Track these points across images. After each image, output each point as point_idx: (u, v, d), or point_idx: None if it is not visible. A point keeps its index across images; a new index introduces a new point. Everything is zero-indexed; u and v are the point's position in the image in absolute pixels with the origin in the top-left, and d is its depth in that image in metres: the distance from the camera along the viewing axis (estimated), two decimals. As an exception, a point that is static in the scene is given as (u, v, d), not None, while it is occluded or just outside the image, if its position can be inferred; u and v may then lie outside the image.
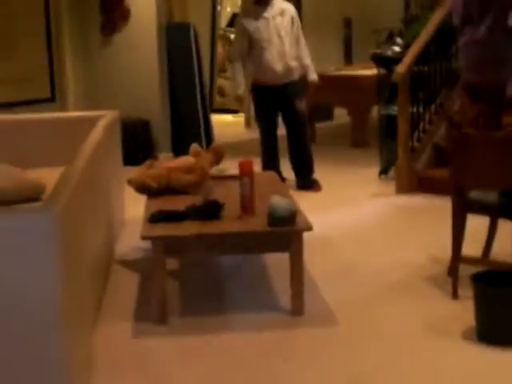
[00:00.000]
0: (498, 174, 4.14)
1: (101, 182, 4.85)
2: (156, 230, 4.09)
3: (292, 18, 7.09)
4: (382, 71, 7.75)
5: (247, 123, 12.17)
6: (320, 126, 10.40)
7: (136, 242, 5.49)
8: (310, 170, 7.29)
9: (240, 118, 12.71)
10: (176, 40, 9.09)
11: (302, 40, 7.18)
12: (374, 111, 9.72)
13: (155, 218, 4.25)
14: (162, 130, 9.14)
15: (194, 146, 5.29)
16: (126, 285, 4.84)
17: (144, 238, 4.07)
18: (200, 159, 5.09)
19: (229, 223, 4.18)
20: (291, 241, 4.06)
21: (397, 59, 7.31)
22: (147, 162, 5.16)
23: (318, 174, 7.33)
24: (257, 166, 5.95)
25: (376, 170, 7.72)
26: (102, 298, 4.45)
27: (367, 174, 7.79)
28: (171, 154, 9.14)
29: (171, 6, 10.00)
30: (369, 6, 12.71)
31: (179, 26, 9.53)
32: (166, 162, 5.13)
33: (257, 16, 7.04)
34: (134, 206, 6.20)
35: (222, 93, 14.14)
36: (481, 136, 4.15)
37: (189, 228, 4.10)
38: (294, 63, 7.07)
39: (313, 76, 7.21)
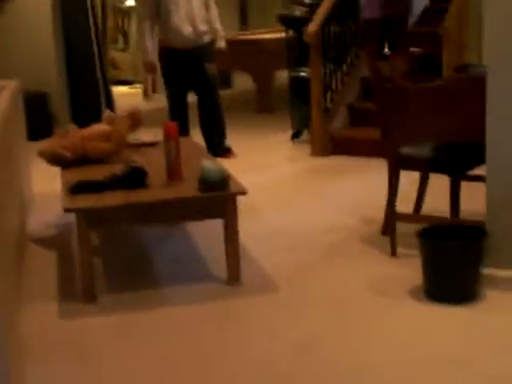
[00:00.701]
0: (434, 127, 4.01)
1: (10, 157, 4.50)
2: (78, 201, 3.80)
3: None
4: (291, 33, 7.58)
5: (145, 94, 11.85)
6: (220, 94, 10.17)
7: (48, 217, 5.26)
8: (223, 135, 7.08)
9: (136, 90, 12.39)
10: (72, 9, 8.67)
11: (212, 3, 6.90)
12: (277, 76, 9.62)
13: (76, 189, 3.95)
14: (60, 103, 8.76)
15: (107, 113, 5.01)
16: (43, 263, 4.53)
17: (66, 210, 3.76)
18: (116, 126, 4.79)
19: (156, 191, 3.92)
20: (225, 206, 3.84)
21: (305, 19, 7.16)
22: (59, 132, 4.84)
23: (228, 141, 7.13)
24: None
25: (287, 134, 7.60)
26: (19, 279, 4.13)
27: (278, 139, 7.65)
28: (72, 126, 8.78)
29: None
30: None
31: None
32: (80, 131, 4.80)
33: None
34: (41, 182, 5.92)
35: (114, 65, 13.76)
36: (414, 88, 4.00)
37: (114, 198, 3.82)
38: (203, 27, 6.81)
39: (221, 42, 6.96)
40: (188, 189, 3.88)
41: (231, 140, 7.15)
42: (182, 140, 4.47)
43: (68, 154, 4.58)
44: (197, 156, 4.54)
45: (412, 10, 7.24)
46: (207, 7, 6.84)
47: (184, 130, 6.71)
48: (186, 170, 4.08)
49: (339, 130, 7.02)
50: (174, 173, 4.06)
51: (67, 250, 4.67)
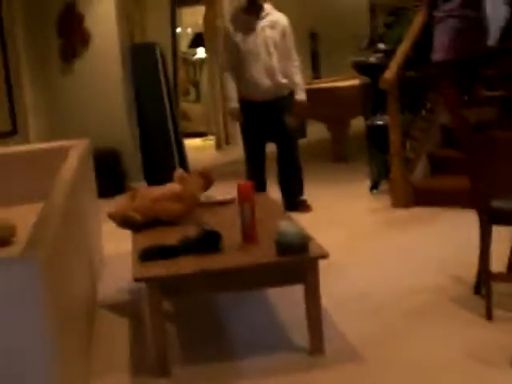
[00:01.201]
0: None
1: (80, 219, 4.36)
2: (149, 269, 3.58)
3: (283, 31, 6.51)
4: (365, 80, 7.36)
5: (218, 145, 11.74)
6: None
7: (119, 282, 5.06)
8: (301, 189, 6.83)
9: (209, 142, 12.30)
10: (141, 61, 8.63)
11: (294, 55, 6.60)
12: (353, 124, 9.40)
13: (147, 255, 3.74)
14: (132, 159, 8.68)
15: (179, 172, 4.80)
16: (114, 331, 4.32)
17: (136, 279, 3.54)
18: (187, 185, 4.59)
19: (231, 256, 3.67)
20: (306, 270, 3.58)
21: (380, 66, 6.93)
22: (129, 193, 4.66)
23: (304, 192, 6.90)
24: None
25: (364, 185, 7.36)
26: (89, 349, 3.93)
27: (356, 190, 7.40)
28: (144, 184, 8.69)
29: (132, 29, 9.56)
30: (334, 20, 12.37)
31: (144, 46, 9.06)
32: (150, 191, 4.62)
33: (245, 26, 6.47)
34: (112, 242, 5.76)
35: (186, 117, 13.75)
36: (506, 138, 3.70)
37: (187, 264, 3.59)
38: (282, 80, 6.54)
39: (300, 96, 6.59)
40: (265, 253, 3.63)
41: (307, 191, 6.91)
42: (258, 197, 4.28)
43: (138, 217, 4.40)
44: (274, 215, 4.32)
45: (488, 34, 6.81)
46: (288, 58, 6.55)
47: (261, 185, 6.51)
48: (262, 231, 3.85)
49: (420, 180, 6.72)
50: (249, 235, 3.83)
51: (139, 317, 4.45)
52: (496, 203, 3.92)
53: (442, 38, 6.60)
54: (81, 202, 4.48)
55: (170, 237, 3.96)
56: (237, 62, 6.50)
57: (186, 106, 13.88)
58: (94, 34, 8.62)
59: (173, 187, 4.63)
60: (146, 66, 8.59)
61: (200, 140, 12.95)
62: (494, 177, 3.73)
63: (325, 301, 4.00)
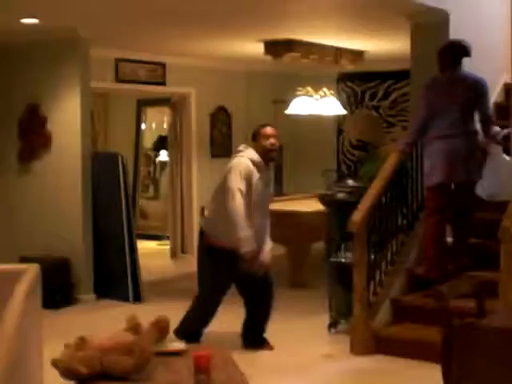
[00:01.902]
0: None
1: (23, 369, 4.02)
2: None
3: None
4: (332, 214, 7.18)
5: (173, 254, 11.47)
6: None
7: None
8: (264, 326, 6.57)
9: (165, 247, 12.01)
10: (103, 171, 8.39)
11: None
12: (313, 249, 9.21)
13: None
14: (83, 270, 8.35)
15: (131, 318, 4.49)
16: None
17: None
18: (140, 336, 4.29)
19: None
20: None
21: (349, 203, 6.78)
22: (76, 341, 4.32)
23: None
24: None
25: (322, 320, 7.08)
26: None
27: (314, 326, 7.13)
28: (93, 296, 8.40)
29: (95, 132, 9.40)
30: (299, 135, 12.31)
31: (106, 156, 8.86)
32: (99, 340, 4.31)
33: (261, 173, 6.24)
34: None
35: (143, 214, 13.52)
36: (493, 328, 3.48)
37: None
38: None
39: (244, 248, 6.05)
40: None
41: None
42: (214, 355, 3.98)
43: (84, 370, 4.07)
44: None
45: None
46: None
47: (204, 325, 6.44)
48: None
49: (382, 327, 6.49)
50: (203, 412, 3.54)
51: None
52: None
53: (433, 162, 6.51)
54: (26, 350, 4.15)
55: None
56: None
57: (144, 202, 13.67)
58: (55, 136, 8.42)
59: (124, 337, 4.32)
60: (107, 177, 8.36)
61: (156, 243, 12.66)
62: (471, 374, 3.49)
63: None
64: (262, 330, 6.52)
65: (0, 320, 4.02)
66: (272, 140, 6.19)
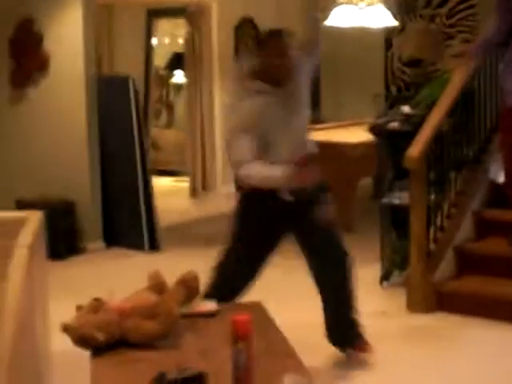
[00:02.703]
0: None
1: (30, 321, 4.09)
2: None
3: None
4: (382, 146, 7.17)
5: (193, 192, 11.48)
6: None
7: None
8: (350, 317, 5.51)
9: (183, 184, 12.03)
10: (110, 98, 8.36)
11: None
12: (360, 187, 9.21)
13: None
14: (90, 214, 8.39)
15: (155, 275, 4.51)
16: None
17: None
18: (165, 297, 4.32)
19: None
20: None
21: (405, 133, 6.76)
22: (90, 303, 4.34)
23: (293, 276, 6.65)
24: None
25: (374, 270, 7.12)
26: None
27: (365, 278, 7.06)
28: (103, 244, 8.46)
29: (100, 52, 9.35)
30: (340, 51, 12.21)
31: (114, 80, 8.81)
32: (118, 303, 4.33)
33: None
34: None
35: (156, 146, 13.47)
36: None
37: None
38: None
39: None
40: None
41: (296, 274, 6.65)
42: (258, 324, 3.98)
43: (100, 337, 4.09)
44: (277, 355, 3.99)
45: None
46: None
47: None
48: (264, 380, 3.56)
49: (445, 281, 6.50)
50: (242, 384, 3.55)
51: None
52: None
53: None
54: (32, 315, 4.21)
55: (141, 370, 3.70)
56: None
57: (155, 131, 13.61)
58: (54, 58, 8.38)
59: (146, 298, 4.34)
60: (116, 105, 8.35)
61: (171, 180, 12.69)
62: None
63: None
64: (350, 324, 5.49)
65: (2, 277, 4.08)
66: (285, 59, 5.07)
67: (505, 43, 6.51)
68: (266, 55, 5.08)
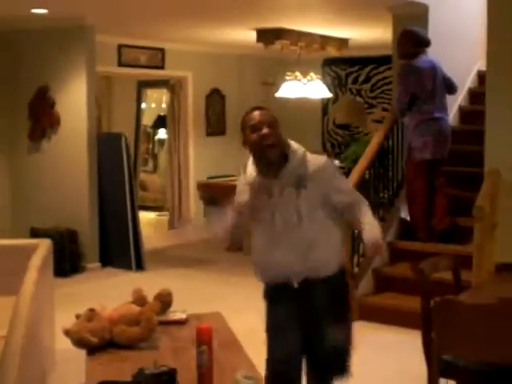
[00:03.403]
0: (491, 346, 3.45)
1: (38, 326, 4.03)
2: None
3: None
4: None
5: (171, 224, 11.42)
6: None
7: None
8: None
9: (163, 217, 11.96)
10: (107, 149, 8.33)
11: None
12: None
13: (100, 394, 3.41)
14: (89, 241, 8.33)
15: (137, 291, 4.48)
16: None
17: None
18: (145, 308, 4.28)
19: (186, 404, 3.36)
20: (259, 427, 3.28)
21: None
22: (86, 312, 4.31)
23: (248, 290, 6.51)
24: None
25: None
26: None
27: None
28: (99, 265, 8.38)
29: (100, 113, 9.31)
30: (287, 115, 12.23)
31: (110, 136, 8.79)
32: (108, 312, 4.29)
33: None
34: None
35: (144, 187, 13.44)
36: (469, 305, 3.48)
37: (141, 411, 3.27)
38: None
39: None
40: (219, 405, 3.33)
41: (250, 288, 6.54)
42: (217, 333, 3.94)
43: (94, 340, 4.06)
44: (234, 357, 3.97)
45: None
46: None
47: None
48: (219, 376, 3.53)
49: (365, 296, 6.50)
50: (204, 380, 3.52)
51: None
52: (447, 357, 3.70)
53: (426, 138, 6.48)
54: (41, 326, 4.15)
55: (126, 366, 3.64)
56: None
57: (144, 176, 13.59)
58: (64, 118, 8.35)
59: (130, 309, 4.31)
60: (111, 155, 8.31)
61: (155, 214, 12.62)
62: (451, 340, 3.50)
63: None
64: None
65: (17, 291, 4.04)
66: (264, 130, 3.57)
67: (409, 108, 6.59)
68: (246, 135, 3.61)
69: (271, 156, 3.59)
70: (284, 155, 3.63)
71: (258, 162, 3.65)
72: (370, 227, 3.66)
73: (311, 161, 3.65)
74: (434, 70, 6.59)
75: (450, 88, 6.79)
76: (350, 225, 4.03)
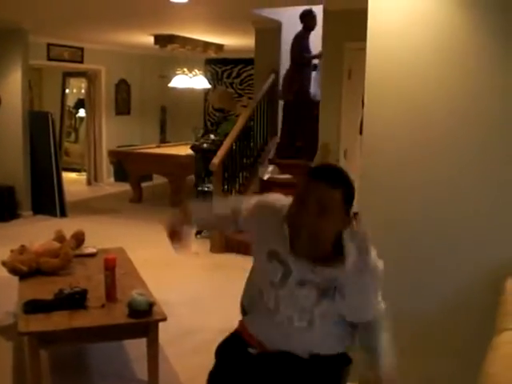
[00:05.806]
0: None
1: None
2: (31, 324, 3.18)
3: None
4: (198, 157, 7.18)
5: (88, 182, 11.15)
6: (144, 185, 9.60)
7: (5, 305, 4.57)
8: None
9: (82, 177, 11.63)
10: (38, 124, 7.99)
11: None
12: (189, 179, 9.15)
13: (29, 308, 3.35)
14: (24, 194, 8.00)
15: (58, 232, 4.40)
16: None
17: (21, 334, 3.15)
18: (64, 244, 4.21)
19: (95, 315, 3.33)
20: (149, 330, 3.32)
21: (210, 150, 6.79)
22: (19, 248, 4.19)
23: (145, 231, 6.51)
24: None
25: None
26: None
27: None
28: (31, 213, 8.08)
29: (32, 97, 8.89)
30: (178, 101, 12.10)
31: (40, 114, 8.42)
32: (35, 247, 4.18)
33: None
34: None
35: (67, 153, 12.97)
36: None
37: (60, 321, 3.23)
38: None
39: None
40: (120, 314, 3.32)
41: (147, 231, 6.52)
42: (121, 262, 3.92)
43: (24, 268, 3.97)
44: (133, 279, 3.95)
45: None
46: None
47: None
48: (122, 291, 3.52)
49: (232, 233, 6.55)
50: (110, 296, 3.51)
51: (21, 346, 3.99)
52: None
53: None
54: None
55: (49, 289, 3.58)
56: None
57: (67, 144, 13.09)
58: (4, 99, 7.90)
59: (52, 244, 4.22)
60: (41, 128, 7.97)
61: (75, 174, 12.24)
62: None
63: (161, 336, 3.70)
64: None
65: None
66: (311, 211, 1.90)
67: None
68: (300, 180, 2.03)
69: (308, 248, 1.99)
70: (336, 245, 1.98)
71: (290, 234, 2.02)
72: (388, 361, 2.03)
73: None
74: None
75: None
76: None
